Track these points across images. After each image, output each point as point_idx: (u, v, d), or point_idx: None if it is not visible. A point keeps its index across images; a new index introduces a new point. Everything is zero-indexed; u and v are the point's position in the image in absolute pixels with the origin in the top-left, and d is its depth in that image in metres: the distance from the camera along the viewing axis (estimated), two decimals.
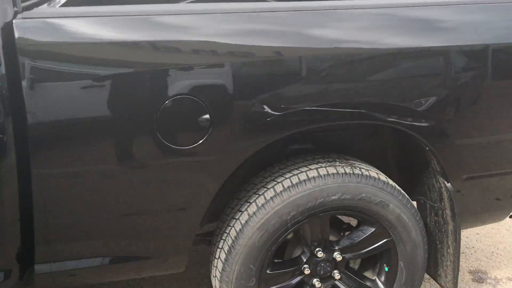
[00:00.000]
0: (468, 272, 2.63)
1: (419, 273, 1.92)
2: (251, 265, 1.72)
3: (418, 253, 1.89)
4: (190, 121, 1.52)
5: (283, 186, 1.72)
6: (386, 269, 1.92)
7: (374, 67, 1.68)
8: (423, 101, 1.71)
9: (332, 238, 1.92)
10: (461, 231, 3.07)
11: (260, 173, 1.87)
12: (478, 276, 2.59)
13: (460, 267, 2.68)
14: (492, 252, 2.85)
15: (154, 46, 1.48)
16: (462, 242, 2.94)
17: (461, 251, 2.85)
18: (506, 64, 1.81)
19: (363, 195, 1.75)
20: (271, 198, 1.71)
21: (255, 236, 1.70)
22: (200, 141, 1.53)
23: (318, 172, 1.74)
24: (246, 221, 1.71)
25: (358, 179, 1.76)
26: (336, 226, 2.02)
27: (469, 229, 3.11)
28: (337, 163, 1.81)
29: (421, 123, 1.73)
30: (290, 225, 1.72)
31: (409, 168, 2.09)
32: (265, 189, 1.75)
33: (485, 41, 1.76)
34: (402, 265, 1.89)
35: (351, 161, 1.85)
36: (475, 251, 2.85)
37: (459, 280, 2.55)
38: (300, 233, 1.81)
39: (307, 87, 1.61)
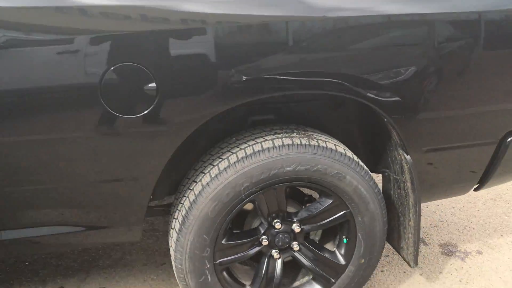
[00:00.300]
0: (439, 245, 2.64)
1: (377, 245, 1.92)
2: (204, 236, 1.72)
3: (376, 225, 1.88)
4: (136, 90, 1.49)
5: (237, 157, 1.70)
6: (345, 240, 1.92)
7: (333, 36, 1.63)
8: (381, 73, 1.67)
9: (290, 209, 1.92)
10: (436, 203, 3.09)
11: (218, 144, 1.85)
12: (448, 249, 2.60)
13: (431, 240, 2.70)
14: (465, 225, 2.85)
15: (95, 11, 1.44)
16: (436, 216, 2.97)
17: (434, 224, 2.87)
18: (470, 36, 1.75)
19: (319, 166, 1.74)
20: (225, 168, 1.69)
21: (208, 206, 1.69)
22: (147, 111, 1.50)
23: (273, 143, 1.72)
24: (200, 192, 1.70)
25: (314, 150, 1.74)
26: (298, 198, 2.02)
27: (445, 203, 3.12)
28: (294, 134, 1.78)
29: (379, 95, 1.70)
30: (244, 196, 1.71)
31: (374, 140, 2.07)
32: (220, 159, 1.74)
33: (447, 9, 1.72)
34: (360, 237, 1.89)
35: (309, 133, 1.83)
36: (448, 225, 2.86)
37: (428, 253, 2.57)
38: (256, 204, 1.80)
39: (261, 55, 1.57)
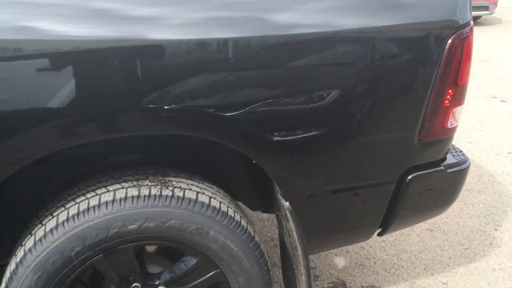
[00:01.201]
0: None
1: None
2: None
3: (256, 285, 1.57)
4: None
5: (67, 214, 1.38)
6: None
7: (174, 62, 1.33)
8: (237, 106, 1.37)
9: (154, 270, 1.60)
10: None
11: (57, 196, 1.53)
12: None
13: (353, 283, 2.40)
14: (394, 263, 2.56)
15: None
16: (363, 252, 2.67)
17: (360, 263, 2.58)
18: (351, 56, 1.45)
19: (173, 221, 1.42)
20: (51, 229, 1.36)
21: (30, 278, 1.35)
22: None
23: (113, 195, 1.40)
24: (21, 259, 1.37)
25: (166, 202, 1.42)
26: (168, 255, 1.69)
27: (375, 237, 2.83)
28: (146, 182, 1.47)
29: (238, 133, 1.40)
30: (77, 262, 1.38)
31: (260, 181, 1.77)
32: (50, 217, 1.41)
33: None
34: None
35: (169, 178, 1.52)
36: (375, 263, 2.56)
37: None
38: (98, 269, 1.47)
39: (78, 85, 1.26)
